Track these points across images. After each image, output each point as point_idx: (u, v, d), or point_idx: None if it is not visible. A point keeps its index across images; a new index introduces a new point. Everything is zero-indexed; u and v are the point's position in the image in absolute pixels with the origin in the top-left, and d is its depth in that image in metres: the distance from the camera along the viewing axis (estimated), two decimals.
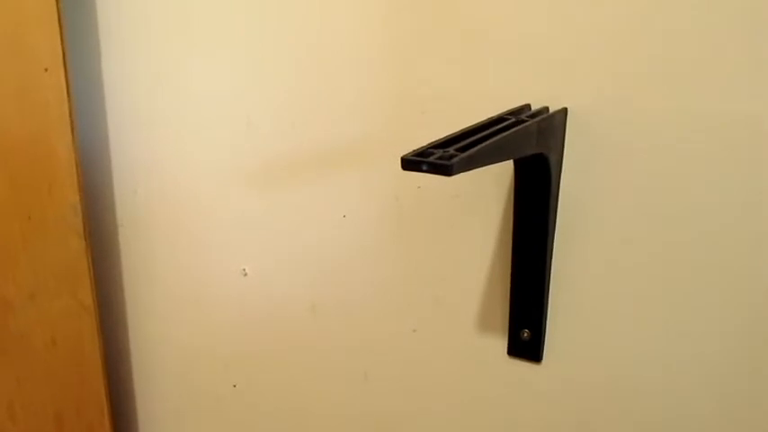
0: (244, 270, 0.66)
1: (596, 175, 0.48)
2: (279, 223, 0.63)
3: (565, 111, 0.48)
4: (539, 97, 0.49)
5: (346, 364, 0.63)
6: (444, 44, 0.51)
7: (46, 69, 0.62)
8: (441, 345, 0.58)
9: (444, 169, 0.34)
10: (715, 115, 0.44)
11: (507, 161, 0.48)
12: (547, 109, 0.48)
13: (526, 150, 0.44)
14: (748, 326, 0.46)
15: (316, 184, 0.60)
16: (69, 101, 0.64)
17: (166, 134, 0.67)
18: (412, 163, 0.34)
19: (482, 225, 0.53)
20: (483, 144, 0.37)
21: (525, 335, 0.53)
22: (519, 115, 0.45)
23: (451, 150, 0.36)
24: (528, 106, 0.48)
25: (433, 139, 0.39)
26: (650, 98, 0.45)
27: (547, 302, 0.52)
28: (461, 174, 0.38)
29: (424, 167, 0.34)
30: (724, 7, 0.42)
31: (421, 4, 0.51)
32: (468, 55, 0.51)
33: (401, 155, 0.36)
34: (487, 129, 0.41)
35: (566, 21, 0.47)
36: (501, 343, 0.55)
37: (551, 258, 0.51)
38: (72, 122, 0.65)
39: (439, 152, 0.35)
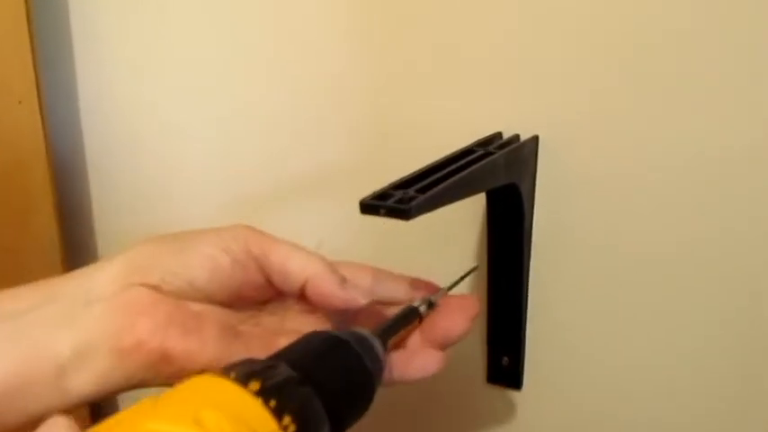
0: None
1: (570, 202, 0.48)
2: None
3: (536, 139, 0.47)
4: (510, 125, 0.48)
5: None
6: (415, 72, 0.51)
7: (20, 102, 0.62)
8: None
9: (402, 213, 0.33)
10: (689, 144, 0.43)
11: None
12: (518, 137, 0.47)
13: (494, 182, 0.43)
14: (731, 346, 0.46)
15: (290, 211, 0.59)
16: (45, 132, 0.64)
17: (146, 163, 0.67)
18: (370, 207, 0.34)
19: (458, 251, 0.53)
20: (445, 183, 0.36)
21: (505, 362, 0.53)
22: (488, 146, 0.44)
23: (411, 192, 0.35)
24: (499, 134, 0.48)
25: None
26: (623, 126, 0.45)
27: (525, 329, 0.52)
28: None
29: (382, 212, 0.34)
30: (702, 37, 0.41)
31: (391, 31, 0.51)
32: (439, 83, 0.50)
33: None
34: (453, 164, 0.40)
35: (537, 47, 0.46)
36: (480, 370, 0.55)
37: (528, 285, 0.51)
38: (48, 154, 0.65)
39: (399, 194, 0.35)
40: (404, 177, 0.37)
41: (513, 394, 0.54)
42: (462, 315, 0.38)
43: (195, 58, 0.61)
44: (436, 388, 0.57)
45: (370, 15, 0.52)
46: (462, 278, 0.42)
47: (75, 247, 0.72)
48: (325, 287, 0.37)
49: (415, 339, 0.38)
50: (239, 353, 0.34)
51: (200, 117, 0.62)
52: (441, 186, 0.36)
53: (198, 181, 0.64)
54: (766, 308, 0.44)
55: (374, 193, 0.35)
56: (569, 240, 0.49)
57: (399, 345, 0.38)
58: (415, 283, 0.41)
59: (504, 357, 0.53)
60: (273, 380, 0.26)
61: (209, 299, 0.36)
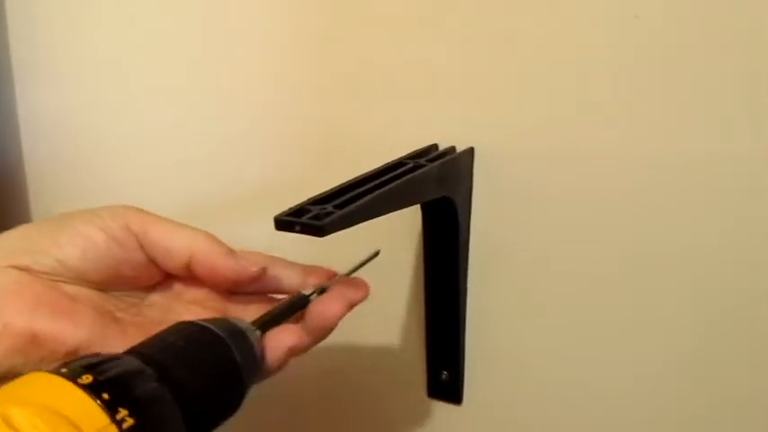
0: None
1: (507, 215, 0.47)
2: None
3: (471, 150, 0.47)
4: (446, 136, 0.47)
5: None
6: (353, 84, 0.50)
7: None
8: (360, 386, 0.56)
9: (316, 230, 0.32)
10: (626, 157, 0.43)
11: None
12: (454, 149, 0.47)
13: (426, 196, 0.42)
14: (671, 359, 0.46)
15: (234, 223, 0.58)
16: None
17: (87, 178, 0.65)
18: (284, 224, 0.33)
19: (398, 263, 0.52)
20: (365, 198, 0.35)
21: (444, 376, 0.52)
22: (420, 158, 0.43)
23: (329, 207, 0.34)
24: (435, 146, 0.47)
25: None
26: (560, 139, 0.45)
27: (464, 343, 0.51)
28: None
29: (297, 228, 0.33)
30: (642, 48, 0.41)
31: (328, 43, 0.50)
32: (376, 94, 0.49)
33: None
34: (380, 177, 0.39)
35: (475, 59, 0.46)
36: (422, 384, 0.54)
37: (466, 299, 0.50)
38: None
39: (316, 209, 0.34)
40: (324, 192, 0.36)
41: (454, 408, 0.53)
42: (340, 300, 0.36)
43: (137, 72, 0.60)
44: (378, 402, 0.56)
45: (306, 27, 0.51)
46: (362, 264, 0.40)
47: None
48: (213, 259, 0.36)
49: (297, 328, 0.36)
50: (115, 338, 0.32)
51: (141, 131, 0.61)
52: (360, 202, 0.35)
53: (141, 194, 0.63)
54: (705, 320, 0.44)
55: (290, 208, 0.34)
56: (507, 254, 0.48)
57: None
58: (310, 271, 0.39)
59: (444, 372, 0.52)
60: (109, 372, 0.25)
61: (84, 279, 0.35)
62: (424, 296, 0.50)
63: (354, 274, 0.40)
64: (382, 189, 0.37)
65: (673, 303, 0.44)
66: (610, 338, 0.47)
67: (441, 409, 0.54)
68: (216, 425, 0.29)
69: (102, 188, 0.65)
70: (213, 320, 0.31)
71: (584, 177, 0.45)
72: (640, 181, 0.43)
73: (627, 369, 0.47)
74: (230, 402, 0.30)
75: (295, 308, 0.36)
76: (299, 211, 0.34)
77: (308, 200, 0.35)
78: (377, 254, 0.42)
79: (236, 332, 0.31)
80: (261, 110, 0.54)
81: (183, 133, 0.59)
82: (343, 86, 0.50)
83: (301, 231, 0.33)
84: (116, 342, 0.33)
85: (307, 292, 0.37)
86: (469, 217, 0.48)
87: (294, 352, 0.34)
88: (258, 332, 0.32)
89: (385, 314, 0.53)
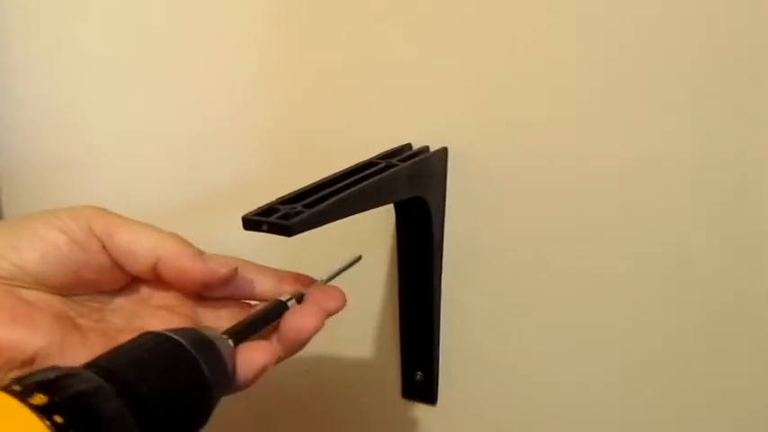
0: None
1: (481, 215, 0.47)
2: None
3: (445, 150, 0.47)
4: (420, 136, 0.47)
5: None
6: (327, 84, 0.50)
7: None
8: (335, 387, 0.56)
9: (284, 229, 0.32)
10: (600, 156, 0.43)
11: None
12: (427, 148, 0.47)
13: (397, 196, 0.42)
14: (645, 360, 0.46)
15: (206, 225, 0.58)
16: None
17: (57, 177, 0.64)
18: (252, 223, 0.33)
19: (372, 263, 0.52)
20: (334, 198, 0.35)
21: (418, 377, 0.52)
22: (393, 158, 0.43)
23: (298, 207, 0.34)
24: (409, 146, 0.47)
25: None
26: (534, 139, 0.45)
27: (438, 344, 0.51)
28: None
29: (265, 228, 0.32)
30: (614, 50, 0.41)
31: (303, 42, 0.50)
32: (350, 93, 0.49)
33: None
34: (351, 176, 0.39)
35: (449, 59, 0.46)
36: (395, 385, 0.54)
37: (440, 299, 0.50)
38: None
39: (285, 209, 0.34)
40: (294, 191, 0.36)
41: (428, 409, 0.53)
42: (316, 313, 0.35)
43: (108, 70, 0.59)
44: (352, 402, 0.56)
45: (280, 26, 0.50)
46: (342, 270, 0.39)
47: None
48: (180, 261, 0.34)
49: (273, 338, 0.35)
50: (75, 345, 0.31)
51: (112, 131, 0.60)
52: (329, 201, 0.35)
53: (112, 194, 0.62)
54: (677, 321, 0.44)
55: (259, 207, 0.34)
56: (481, 254, 0.48)
57: None
58: (284, 276, 0.38)
59: (418, 372, 0.52)
60: (65, 392, 0.23)
61: (44, 284, 0.33)
62: (398, 296, 0.50)
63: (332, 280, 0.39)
64: (352, 189, 0.37)
65: (647, 303, 0.45)
66: (584, 338, 0.47)
67: (415, 409, 0.54)
68: None
69: (72, 188, 0.64)
70: (181, 331, 0.29)
71: (558, 177, 0.45)
72: (612, 181, 0.43)
73: (600, 368, 0.47)
74: (196, 417, 0.28)
75: (272, 316, 0.34)
76: (267, 210, 0.34)
77: (277, 199, 0.35)
78: (358, 259, 0.40)
79: (204, 343, 0.29)
80: (233, 109, 0.54)
81: (154, 133, 0.58)
82: (316, 86, 0.50)
83: (269, 231, 0.32)
84: (76, 350, 0.31)
85: (284, 298, 0.35)
86: (443, 217, 0.48)
87: (267, 370, 0.33)
88: (231, 342, 0.31)
89: (359, 314, 0.53)
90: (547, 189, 0.45)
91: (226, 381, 0.30)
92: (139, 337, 0.29)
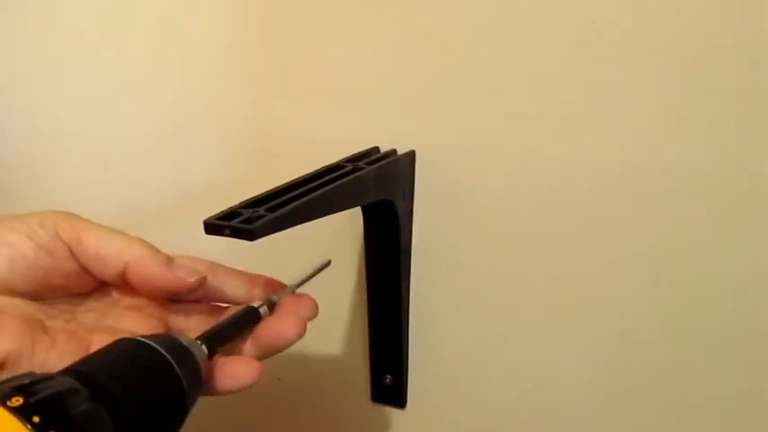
0: None
1: (450, 219, 0.47)
2: None
3: (412, 154, 0.47)
4: (387, 139, 0.47)
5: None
6: (294, 87, 0.50)
7: None
8: (304, 391, 0.56)
9: (246, 234, 0.32)
10: (567, 161, 0.43)
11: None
12: (395, 152, 0.47)
13: (364, 199, 0.42)
14: (613, 364, 0.46)
15: (173, 229, 0.57)
16: None
17: (21, 176, 0.63)
18: (214, 227, 0.32)
19: (340, 266, 0.52)
20: (298, 201, 0.35)
21: (387, 380, 0.52)
22: (360, 161, 0.43)
23: (261, 210, 0.34)
24: (376, 149, 0.47)
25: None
26: (502, 142, 0.45)
27: (407, 347, 0.51)
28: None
29: (227, 232, 0.32)
30: (576, 50, 0.41)
31: (270, 46, 0.50)
32: (317, 97, 0.49)
33: None
34: (317, 180, 0.39)
35: (417, 63, 0.45)
36: (365, 389, 0.54)
37: (408, 302, 0.50)
38: None
39: (247, 213, 0.33)
40: (257, 195, 0.36)
41: (398, 413, 0.53)
42: (293, 318, 0.35)
43: (73, 72, 0.58)
44: (321, 407, 0.56)
45: (249, 29, 0.50)
46: (312, 275, 0.39)
47: None
48: (148, 268, 0.34)
49: (247, 344, 0.35)
50: (44, 348, 0.31)
51: (77, 132, 0.59)
52: (293, 205, 0.34)
53: (75, 195, 0.61)
54: (647, 328, 0.44)
55: (221, 211, 0.33)
56: (449, 257, 0.48)
57: (234, 350, 0.35)
58: (256, 280, 0.38)
59: (387, 376, 0.52)
60: (41, 394, 0.24)
61: (12, 290, 0.33)
62: (366, 300, 0.50)
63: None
64: (317, 192, 0.36)
65: (617, 306, 0.45)
66: (553, 340, 0.47)
67: (384, 413, 0.54)
68: None
69: (39, 191, 0.63)
70: (155, 336, 0.30)
71: (527, 181, 0.45)
72: (581, 184, 0.44)
73: (570, 371, 0.47)
74: (172, 419, 0.29)
75: (245, 322, 0.35)
76: (229, 214, 0.33)
77: (240, 203, 0.34)
78: (327, 264, 0.41)
79: (177, 347, 0.30)
80: (198, 112, 0.53)
81: (118, 134, 0.58)
82: (283, 89, 0.50)
83: (231, 235, 0.32)
84: (46, 352, 0.31)
85: (256, 304, 0.35)
86: (411, 220, 0.48)
87: (251, 386, 0.33)
88: (204, 347, 0.31)
89: (328, 318, 0.52)
90: (515, 192, 0.45)
91: (199, 384, 0.30)
92: (114, 343, 0.29)
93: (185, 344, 0.30)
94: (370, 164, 0.42)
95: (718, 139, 0.39)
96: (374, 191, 0.42)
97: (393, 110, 0.47)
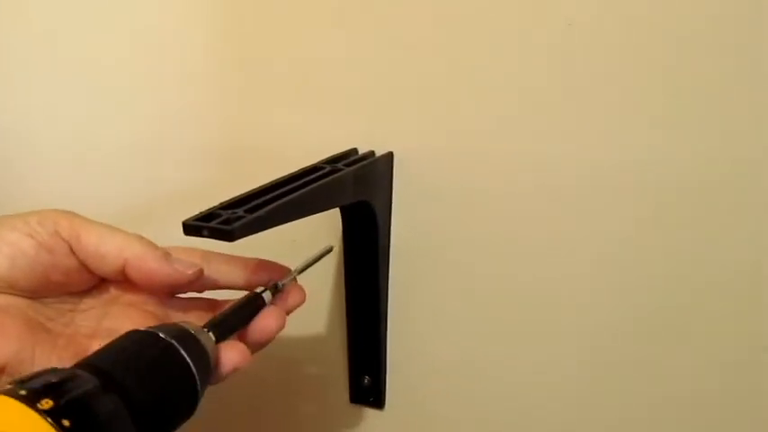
0: None
1: (427, 220, 0.48)
2: None
3: (390, 155, 0.47)
4: (366, 141, 0.47)
5: None
6: (271, 89, 0.50)
7: None
8: (281, 392, 0.56)
9: (225, 234, 0.32)
10: (544, 161, 0.44)
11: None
12: (373, 153, 0.47)
13: (341, 200, 0.42)
14: (592, 360, 0.47)
15: (150, 231, 0.57)
16: None
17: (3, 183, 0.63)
18: (193, 228, 0.32)
19: (319, 267, 0.51)
20: (277, 202, 0.35)
21: (366, 381, 0.52)
22: (338, 162, 0.43)
23: (240, 212, 0.34)
24: (355, 150, 0.47)
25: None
26: (480, 144, 0.45)
27: (386, 348, 0.51)
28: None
29: (206, 233, 0.32)
30: (550, 52, 0.42)
31: (248, 46, 0.50)
32: (295, 98, 0.49)
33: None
34: (295, 181, 0.39)
35: (395, 65, 0.46)
36: (344, 390, 0.54)
37: (387, 303, 0.50)
38: None
39: (226, 214, 0.33)
40: (236, 196, 0.36)
41: (376, 414, 0.53)
42: (277, 313, 0.36)
43: (46, 73, 0.58)
44: (300, 408, 0.56)
45: (224, 30, 0.50)
46: (315, 260, 0.40)
47: None
48: (147, 263, 0.35)
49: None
50: (45, 351, 0.32)
51: (55, 133, 0.59)
52: (271, 206, 0.34)
53: (51, 201, 0.61)
54: (624, 321, 0.45)
55: (200, 212, 0.33)
56: (428, 258, 0.49)
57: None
58: (254, 266, 0.38)
59: (366, 377, 0.52)
60: (70, 395, 0.24)
61: (14, 287, 0.34)
62: (345, 301, 0.50)
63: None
64: (296, 193, 0.37)
65: (594, 302, 0.45)
66: (532, 339, 0.48)
67: (363, 414, 0.54)
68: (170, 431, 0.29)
69: (18, 192, 0.62)
70: (166, 327, 0.31)
71: (505, 181, 0.45)
72: (558, 184, 0.44)
73: (549, 368, 0.48)
74: (184, 408, 0.30)
75: (249, 308, 0.36)
76: (208, 215, 0.33)
77: (219, 204, 0.34)
78: (330, 250, 0.42)
79: (189, 338, 0.31)
80: (177, 114, 0.53)
81: (95, 136, 0.57)
82: (262, 90, 0.50)
83: (210, 236, 0.32)
84: (46, 355, 0.32)
85: (259, 290, 0.36)
86: (390, 221, 0.48)
87: (238, 371, 0.34)
88: (211, 335, 0.32)
89: (306, 319, 0.52)
90: (493, 192, 0.46)
91: (208, 371, 0.31)
92: (127, 335, 0.30)
93: (193, 332, 0.31)
94: (348, 165, 0.42)
95: (689, 137, 0.40)
96: (352, 192, 0.42)
97: (371, 111, 0.47)
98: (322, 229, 0.50)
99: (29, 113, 0.60)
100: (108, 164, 0.57)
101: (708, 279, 0.42)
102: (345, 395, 0.53)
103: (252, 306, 0.36)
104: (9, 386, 0.24)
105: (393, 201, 0.48)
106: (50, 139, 0.59)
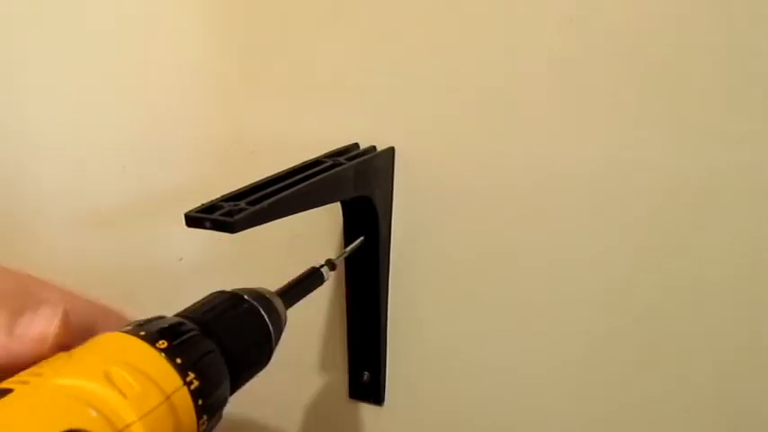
0: None
1: (428, 214, 0.48)
2: (112, 268, 0.59)
3: (392, 150, 0.47)
4: (367, 136, 0.47)
5: None
6: (272, 84, 0.50)
7: None
8: (281, 388, 0.56)
9: (227, 226, 0.32)
10: (543, 159, 0.44)
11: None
12: (374, 148, 0.47)
13: (342, 195, 0.42)
14: (588, 355, 0.47)
15: (149, 228, 0.57)
16: None
17: None
18: (195, 220, 0.32)
19: (319, 262, 0.51)
20: (279, 195, 0.35)
21: (365, 377, 0.52)
22: (339, 157, 0.43)
23: (242, 204, 0.34)
24: (356, 145, 0.47)
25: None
26: (480, 139, 0.45)
27: (385, 344, 0.51)
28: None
29: (208, 225, 0.32)
30: (554, 53, 0.42)
31: (250, 41, 0.50)
32: (297, 93, 0.49)
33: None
34: (297, 175, 0.39)
35: (396, 60, 0.46)
36: (343, 386, 0.54)
37: (387, 298, 0.50)
38: None
39: (228, 206, 0.33)
40: (238, 189, 0.36)
41: (376, 409, 0.53)
42: None
43: (39, 73, 0.58)
44: (299, 404, 0.56)
45: (225, 25, 0.50)
46: (350, 251, 0.44)
47: None
48: None
49: None
50: None
51: (53, 131, 0.59)
52: (273, 199, 0.34)
53: (49, 198, 0.61)
54: (624, 320, 0.45)
55: (202, 205, 0.33)
56: (428, 253, 0.49)
57: None
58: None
59: (365, 373, 0.52)
60: (179, 338, 0.28)
61: None
62: (345, 296, 0.50)
63: None
64: (297, 187, 0.36)
65: (588, 301, 0.45)
66: (531, 335, 0.48)
67: (362, 410, 0.54)
68: (247, 381, 0.32)
69: (11, 192, 0.62)
70: (246, 290, 0.34)
71: (505, 177, 0.45)
72: (559, 181, 0.44)
73: (547, 366, 0.48)
74: (262, 361, 0.33)
75: (310, 282, 0.39)
76: (210, 207, 0.33)
77: (221, 197, 0.34)
78: (363, 241, 0.46)
79: (263, 298, 0.34)
80: (177, 110, 0.53)
81: (96, 132, 0.57)
82: (264, 85, 0.50)
83: (212, 227, 0.32)
84: None
85: (317, 265, 0.39)
86: (390, 216, 0.48)
87: None
88: (280, 300, 0.35)
89: (305, 315, 0.52)
90: (493, 189, 0.46)
91: (280, 330, 0.35)
92: (212, 295, 0.33)
93: (268, 296, 0.34)
94: (349, 160, 0.42)
95: (663, 139, 0.40)
96: (353, 186, 0.42)
97: (373, 106, 0.47)
98: (323, 224, 0.50)
99: (23, 113, 0.60)
100: (106, 161, 0.57)
101: (708, 279, 0.42)
102: (344, 391, 0.53)
103: (312, 279, 0.39)
104: (129, 327, 0.27)
105: (394, 195, 0.48)
106: (46, 139, 0.59)
